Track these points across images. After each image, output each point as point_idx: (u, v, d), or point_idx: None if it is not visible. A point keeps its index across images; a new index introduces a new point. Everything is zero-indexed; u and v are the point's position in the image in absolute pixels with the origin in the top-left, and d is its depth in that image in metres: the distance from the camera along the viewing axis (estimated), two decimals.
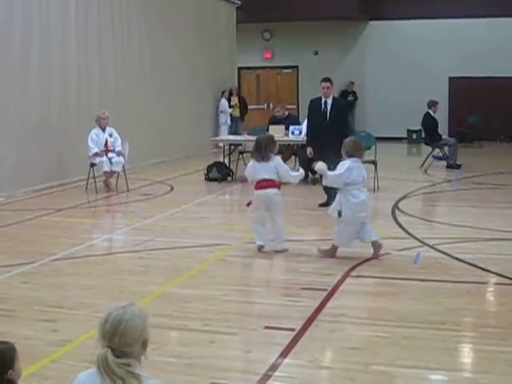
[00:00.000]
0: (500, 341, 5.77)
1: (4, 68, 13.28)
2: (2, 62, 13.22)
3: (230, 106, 22.74)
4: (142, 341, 3.14)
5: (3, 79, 13.27)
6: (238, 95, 23.30)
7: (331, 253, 8.51)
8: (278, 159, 9.05)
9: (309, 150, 12.31)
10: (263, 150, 8.84)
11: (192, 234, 10.25)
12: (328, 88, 12.19)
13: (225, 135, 21.05)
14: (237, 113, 23.04)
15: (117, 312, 3.13)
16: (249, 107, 25.45)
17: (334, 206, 8.54)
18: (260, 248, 8.87)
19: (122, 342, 3.08)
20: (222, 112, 22.75)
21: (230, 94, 22.95)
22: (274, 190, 8.85)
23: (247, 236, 9.85)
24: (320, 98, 12.32)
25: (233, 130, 22.24)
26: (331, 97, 12.21)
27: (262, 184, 8.80)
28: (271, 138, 9.23)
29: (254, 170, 8.92)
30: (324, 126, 11.96)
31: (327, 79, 12.36)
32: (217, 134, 21.73)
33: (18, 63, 13.63)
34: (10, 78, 13.40)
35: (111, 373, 3.04)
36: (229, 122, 22.73)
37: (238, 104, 22.99)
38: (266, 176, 8.77)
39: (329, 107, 12.13)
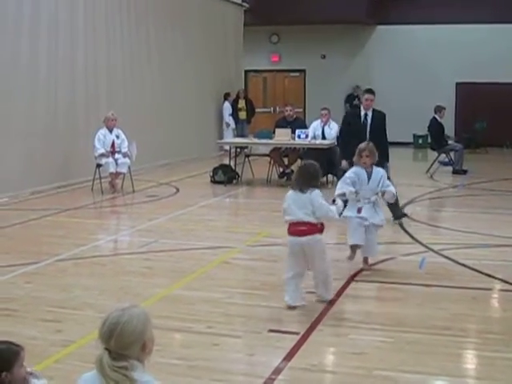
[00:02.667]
0: (504, 347, 5.75)
1: (12, 69, 13.32)
2: (10, 63, 13.26)
3: (236, 109, 22.61)
4: (140, 343, 3.10)
5: (12, 79, 13.30)
6: (246, 98, 23.11)
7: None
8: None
9: (344, 163, 11.21)
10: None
11: (197, 236, 10.24)
12: (371, 100, 11.60)
13: (229, 138, 21.02)
14: (244, 116, 22.82)
15: (115, 314, 3.11)
16: (255, 110, 25.49)
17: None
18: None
19: (118, 345, 3.06)
20: (228, 115, 22.65)
21: (238, 96, 22.77)
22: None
23: (252, 239, 9.87)
24: (358, 110, 11.72)
25: (239, 133, 22.11)
26: (371, 109, 11.58)
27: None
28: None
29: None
30: (363, 139, 11.06)
31: (371, 91, 11.84)
32: (222, 137, 21.68)
33: (26, 64, 13.66)
34: (18, 78, 13.44)
35: (106, 375, 3.03)
36: (233, 125, 22.59)
37: (245, 107, 22.80)
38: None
39: (369, 119, 11.46)
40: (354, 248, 8.29)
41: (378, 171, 8.33)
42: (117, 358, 3.05)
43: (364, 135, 10.98)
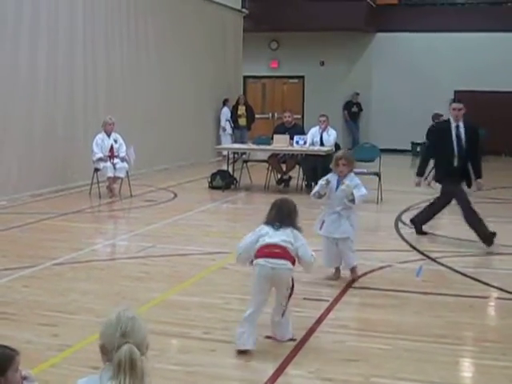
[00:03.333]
0: (501, 355, 5.75)
1: (12, 74, 13.33)
2: (9, 68, 13.28)
3: (236, 115, 22.59)
4: (147, 341, 3.16)
5: (11, 83, 13.31)
6: (246, 104, 23.06)
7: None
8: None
9: (417, 180, 10.84)
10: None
11: (195, 241, 10.23)
12: (460, 110, 10.61)
13: (226, 143, 20.99)
14: (244, 122, 22.77)
15: (124, 312, 3.13)
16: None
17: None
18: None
19: (139, 338, 3.08)
20: (225, 120, 22.52)
21: (238, 102, 22.73)
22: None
23: None
24: (447, 122, 10.68)
25: (238, 139, 22.04)
26: (462, 120, 10.62)
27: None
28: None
29: None
30: (457, 153, 10.29)
31: (458, 100, 11.09)
32: (219, 143, 21.64)
33: (25, 68, 13.68)
34: (17, 82, 13.45)
35: (134, 369, 2.99)
36: (229, 131, 22.42)
37: (245, 113, 22.75)
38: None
39: (462, 131, 10.47)
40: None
41: (351, 179, 8.02)
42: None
43: (457, 149, 10.27)
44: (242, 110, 22.74)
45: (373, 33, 25.98)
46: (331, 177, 8.03)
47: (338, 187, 7.94)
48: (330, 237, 7.99)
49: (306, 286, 7.46)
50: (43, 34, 14.11)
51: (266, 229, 6.01)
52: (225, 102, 22.51)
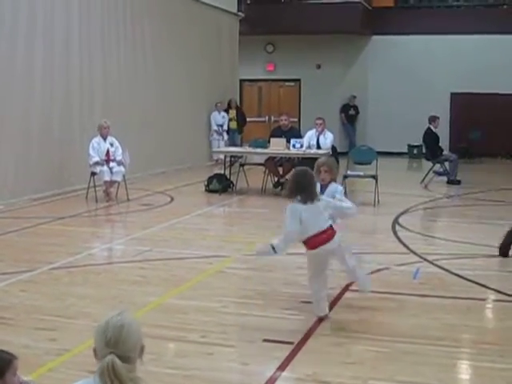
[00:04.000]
0: (499, 358, 5.75)
1: (7, 76, 13.33)
2: (5, 71, 13.28)
3: (228, 119, 22.34)
4: (140, 346, 3.13)
5: (7, 87, 13.30)
6: (237, 108, 22.88)
7: None
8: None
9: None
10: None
11: (192, 245, 10.23)
12: None
13: (215, 147, 20.92)
14: (234, 125, 22.55)
15: (115, 318, 3.11)
16: (250, 119, 25.40)
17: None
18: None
19: (125, 348, 3.06)
20: (216, 124, 22.07)
21: (229, 106, 22.51)
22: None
23: (247, 248, 9.85)
24: None
25: (230, 143, 21.78)
26: None
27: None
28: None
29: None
30: None
31: None
32: (210, 147, 21.59)
33: (21, 71, 13.68)
34: (13, 86, 13.45)
35: (119, 379, 3.01)
36: (216, 136, 21.87)
37: (235, 117, 22.54)
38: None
39: None
40: None
41: (335, 188, 7.66)
42: (124, 361, 3.05)
43: None
44: (232, 113, 22.52)
45: (369, 35, 26.01)
46: None
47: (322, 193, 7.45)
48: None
49: (303, 289, 7.45)
50: (39, 36, 14.10)
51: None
52: (216, 106, 22.19)
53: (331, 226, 6.62)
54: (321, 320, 6.66)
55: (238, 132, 22.75)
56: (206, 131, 21.99)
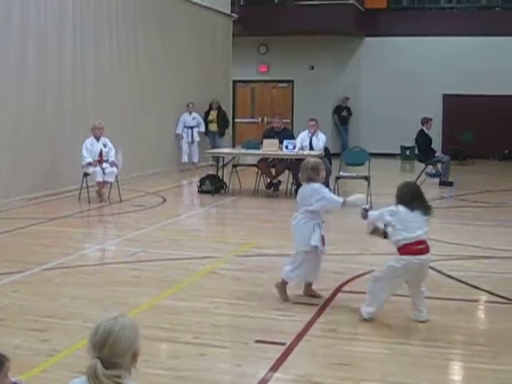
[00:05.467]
0: (490, 359, 5.77)
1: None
2: None
3: (207, 121, 21.39)
4: (131, 352, 3.13)
5: None
6: (218, 109, 21.69)
7: None
8: None
9: None
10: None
11: (184, 246, 10.23)
12: None
13: (191, 155, 20.45)
14: (214, 127, 21.58)
15: (107, 323, 3.12)
16: (243, 121, 25.41)
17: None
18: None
19: (111, 353, 3.07)
20: (183, 127, 20.67)
21: (210, 107, 21.60)
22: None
23: (239, 249, 9.86)
24: None
25: (210, 147, 20.65)
26: None
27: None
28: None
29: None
30: None
31: None
32: (180, 154, 20.55)
33: (14, 72, 13.65)
34: (4, 86, 13.42)
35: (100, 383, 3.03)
36: (186, 138, 20.47)
37: (215, 119, 21.52)
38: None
39: None
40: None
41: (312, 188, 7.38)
42: (109, 366, 3.05)
43: None
44: (213, 115, 21.62)
45: (362, 37, 26.04)
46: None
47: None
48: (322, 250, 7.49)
49: (296, 290, 7.46)
50: (32, 35, 14.05)
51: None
52: (187, 107, 20.71)
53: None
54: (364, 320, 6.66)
55: (218, 135, 21.73)
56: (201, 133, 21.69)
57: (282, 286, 7.45)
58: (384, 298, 6.73)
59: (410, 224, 6.57)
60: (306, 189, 7.40)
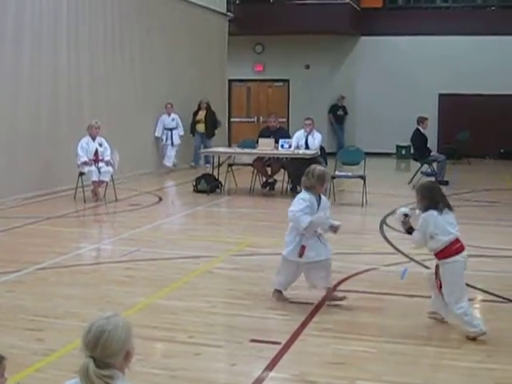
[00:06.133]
0: (486, 358, 5.78)
1: None
2: None
3: (194, 121, 20.49)
4: (124, 352, 3.13)
5: None
6: (207, 109, 20.55)
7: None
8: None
9: None
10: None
11: (179, 245, 10.23)
12: None
13: (169, 159, 19.37)
14: (202, 128, 20.41)
15: (100, 322, 3.12)
16: (239, 120, 25.36)
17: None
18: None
19: (104, 353, 3.07)
20: (163, 129, 19.55)
21: (199, 107, 20.53)
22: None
23: (235, 248, 9.86)
24: None
25: (197, 148, 20.25)
26: None
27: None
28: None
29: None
30: None
31: None
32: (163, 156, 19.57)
33: (9, 71, 13.63)
34: None
35: (90, 383, 3.04)
36: (165, 141, 19.39)
37: (203, 119, 20.39)
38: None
39: None
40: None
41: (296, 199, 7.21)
42: (101, 366, 3.06)
43: None
44: (201, 115, 20.50)
45: (357, 36, 26.04)
46: (311, 198, 7.14)
47: (318, 207, 7.19)
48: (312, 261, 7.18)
49: (291, 289, 7.46)
50: (27, 35, 14.05)
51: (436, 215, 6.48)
52: (166, 107, 19.52)
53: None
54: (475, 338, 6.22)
55: (207, 136, 20.49)
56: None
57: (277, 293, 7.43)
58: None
59: (446, 226, 6.44)
60: (296, 197, 7.26)
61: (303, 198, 7.10)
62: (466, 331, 6.25)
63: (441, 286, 6.46)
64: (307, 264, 7.15)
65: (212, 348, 6.00)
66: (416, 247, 6.91)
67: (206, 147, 19.62)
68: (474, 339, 6.17)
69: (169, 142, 19.46)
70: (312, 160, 14.48)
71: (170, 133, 19.47)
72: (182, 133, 19.82)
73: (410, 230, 6.62)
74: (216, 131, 20.82)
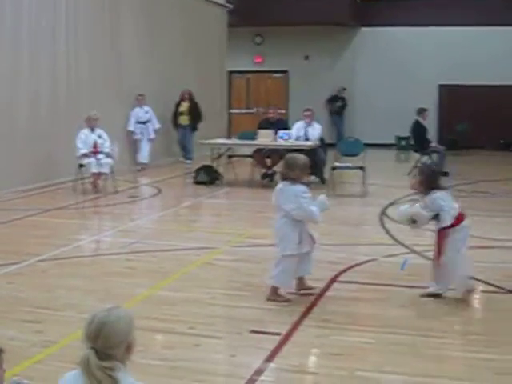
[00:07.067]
0: (486, 348, 5.78)
1: None
2: None
3: (177, 113, 19.43)
4: (126, 344, 3.13)
5: None
6: (191, 101, 19.41)
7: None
8: None
9: None
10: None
11: (179, 236, 10.22)
12: None
13: (144, 154, 18.09)
14: (185, 121, 19.32)
15: (102, 314, 3.13)
16: (238, 111, 25.29)
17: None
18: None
19: (105, 345, 3.08)
20: (136, 122, 18.28)
21: (181, 98, 19.35)
22: None
23: (235, 240, 9.86)
24: None
25: (180, 143, 19.60)
26: None
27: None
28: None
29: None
30: None
31: None
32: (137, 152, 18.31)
33: (7, 63, 13.61)
34: None
35: (91, 375, 3.04)
36: (137, 135, 18.19)
37: (187, 111, 19.31)
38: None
39: None
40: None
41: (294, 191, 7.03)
42: (103, 357, 3.06)
43: None
44: (184, 106, 19.34)
45: (357, 27, 26.00)
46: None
47: None
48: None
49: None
50: (25, 26, 14.02)
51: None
52: (138, 99, 18.28)
53: None
54: (470, 292, 7.17)
55: (190, 129, 19.46)
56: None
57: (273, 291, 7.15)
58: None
59: (452, 201, 7.13)
60: (289, 190, 7.01)
61: (303, 190, 6.96)
62: (467, 285, 7.12)
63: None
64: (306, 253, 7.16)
65: (212, 339, 6.00)
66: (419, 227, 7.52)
67: (187, 142, 19.13)
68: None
69: (143, 136, 18.28)
70: (311, 151, 14.49)
71: (143, 126, 18.33)
72: (157, 126, 18.60)
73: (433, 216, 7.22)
74: (199, 124, 19.70)
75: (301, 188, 6.98)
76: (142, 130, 18.27)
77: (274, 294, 7.09)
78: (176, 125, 19.50)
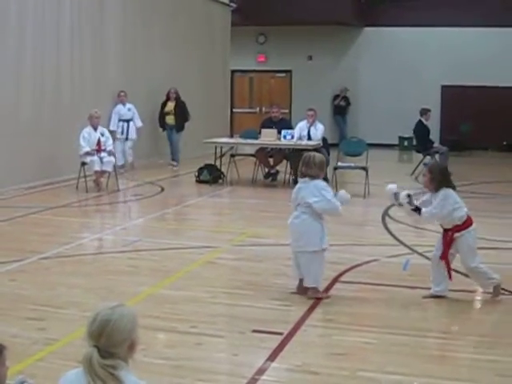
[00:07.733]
0: (486, 349, 5.78)
1: None
2: None
3: (163, 113, 18.59)
4: (129, 342, 3.13)
5: None
6: (177, 100, 18.52)
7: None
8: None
9: None
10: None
11: (182, 235, 10.24)
12: None
13: (118, 151, 16.40)
14: (171, 120, 18.48)
15: (105, 312, 3.12)
16: (241, 110, 25.23)
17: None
18: None
19: (108, 343, 3.08)
20: (119, 120, 17.30)
21: (168, 97, 18.52)
22: None
23: (237, 239, 9.86)
24: None
25: (172, 143, 18.81)
26: None
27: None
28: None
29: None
30: None
31: None
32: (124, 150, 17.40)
33: (11, 62, 13.62)
34: (2, 75, 13.38)
35: (93, 373, 3.04)
36: (119, 134, 17.14)
37: (173, 111, 18.43)
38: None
39: None
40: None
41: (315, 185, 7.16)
42: (105, 356, 3.06)
43: None
44: (170, 106, 18.48)
45: (360, 27, 26.00)
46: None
47: None
48: None
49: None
50: (29, 25, 14.03)
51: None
52: (120, 96, 17.37)
53: None
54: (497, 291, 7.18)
55: (176, 129, 18.62)
56: (196, 123, 20.04)
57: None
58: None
59: (462, 201, 7.18)
60: (311, 185, 7.10)
61: (325, 184, 7.21)
62: (483, 285, 7.25)
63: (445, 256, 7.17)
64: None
65: (214, 338, 6.00)
66: (424, 223, 7.75)
67: (174, 142, 18.67)
68: (495, 293, 7.13)
69: (124, 135, 17.32)
70: (314, 151, 14.47)
71: (126, 125, 17.32)
72: (139, 124, 17.61)
73: (415, 209, 7.19)
74: (186, 124, 18.87)
75: (322, 182, 7.19)
76: (124, 129, 17.32)
77: (316, 293, 7.15)
78: (163, 125, 18.78)
